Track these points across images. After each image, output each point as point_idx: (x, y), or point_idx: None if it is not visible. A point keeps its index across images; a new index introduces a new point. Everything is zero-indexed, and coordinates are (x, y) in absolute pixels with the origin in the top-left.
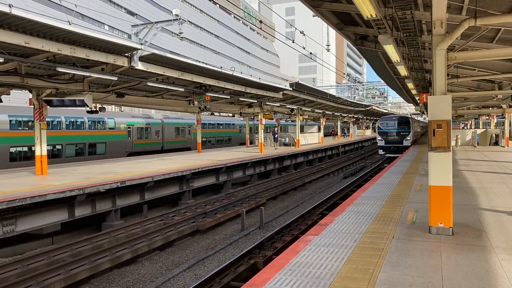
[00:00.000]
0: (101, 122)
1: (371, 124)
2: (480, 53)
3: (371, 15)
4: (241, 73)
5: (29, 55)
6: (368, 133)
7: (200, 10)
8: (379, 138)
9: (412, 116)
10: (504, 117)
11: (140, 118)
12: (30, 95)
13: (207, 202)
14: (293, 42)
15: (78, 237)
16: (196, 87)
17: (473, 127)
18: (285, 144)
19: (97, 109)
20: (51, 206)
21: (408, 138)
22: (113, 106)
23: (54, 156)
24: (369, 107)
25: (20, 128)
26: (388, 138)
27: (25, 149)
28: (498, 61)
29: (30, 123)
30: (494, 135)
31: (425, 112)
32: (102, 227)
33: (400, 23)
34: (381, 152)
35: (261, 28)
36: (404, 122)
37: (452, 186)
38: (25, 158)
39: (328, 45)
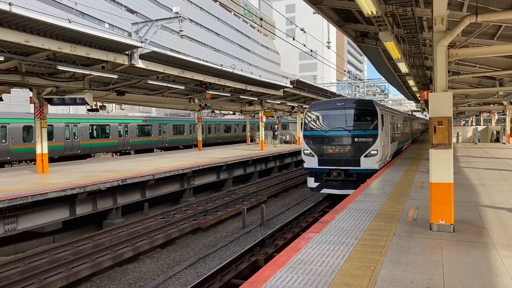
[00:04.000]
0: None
1: None
2: (481, 50)
3: (371, 12)
4: (242, 70)
5: (30, 53)
6: None
7: (200, 7)
8: (306, 151)
9: (414, 112)
10: (505, 114)
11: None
12: (31, 94)
13: (208, 200)
14: (293, 39)
15: (79, 235)
16: (197, 85)
17: (474, 124)
18: (286, 142)
19: (98, 107)
20: (52, 205)
21: (374, 151)
22: (114, 104)
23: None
24: None
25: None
26: (326, 151)
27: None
28: (499, 58)
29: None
30: (495, 132)
31: (426, 109)
32: (103, 225)
33: (400, 20)
34: (311, 184)
35: (261, 26)
36: (363, 113)
37: (453, 183)
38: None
39: (328, 42)
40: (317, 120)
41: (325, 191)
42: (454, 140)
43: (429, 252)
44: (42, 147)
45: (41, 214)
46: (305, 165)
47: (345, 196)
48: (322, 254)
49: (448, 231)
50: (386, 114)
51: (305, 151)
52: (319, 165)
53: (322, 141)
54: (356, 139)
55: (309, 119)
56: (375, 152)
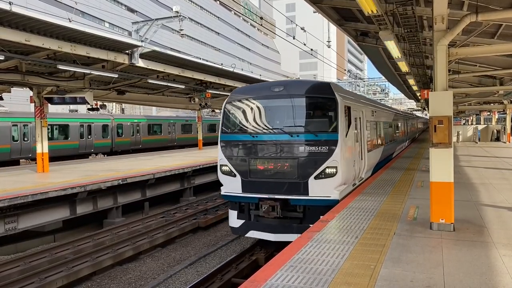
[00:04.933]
0: None
1: None
2: (482, 49)
3: (372, 11)
4: (242, 70)
5: (30, 52)
6: None
7: (200, 6)
8: (224, 167)
9: (413, 110)
10: (506, 113)
11: None
12: (31, 93)
13: (208, 199)
14: (293, 38)
15: (79, 234)
16: (197, 84)
17: (474, 123)
18: None
19: (98, 107)
20: (53, 204)
21: (331, 170)
22: (114, 103)
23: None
24: None
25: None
26: (253, 168)
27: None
28: (499, 57)
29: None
30: (495, 131)
31: (426, 108)
32: (104, 224)
33: (401, 19)
34: (232, 221)
35: (261, 25)
36: (315, 105)
37: (453, 182)
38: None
39: (329, 41)
40: (241, 117)
41: (253, 234)
42: (454, 139)
43: (430, 251)
44: (42, 146)
45: (42, 213)
46: (223, 190)
47: (288, 242)
48: (323, 253)
49: (448, 230)
50: (358, 108)
51: (222, 168)
52: (243, 191)
53: (248, 152)
54: (301, 148)
55: (229, 114)
56: (333, 170)
